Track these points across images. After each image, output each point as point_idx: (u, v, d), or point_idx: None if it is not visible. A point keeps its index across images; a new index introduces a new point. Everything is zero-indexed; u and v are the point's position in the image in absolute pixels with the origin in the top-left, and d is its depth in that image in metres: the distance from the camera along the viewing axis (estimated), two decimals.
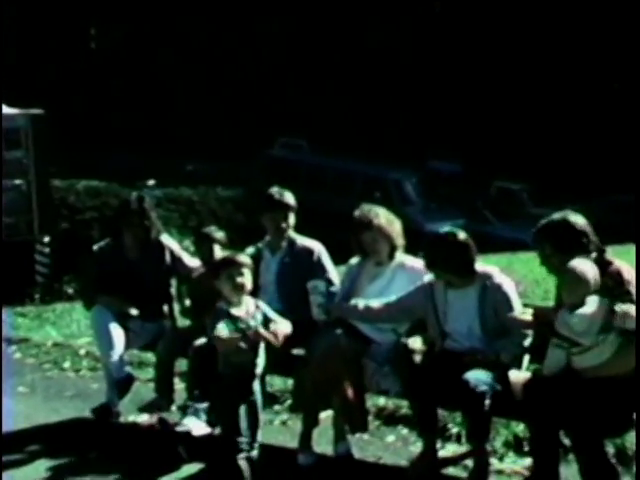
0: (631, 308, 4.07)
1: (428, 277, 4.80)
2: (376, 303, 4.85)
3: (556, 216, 4.43)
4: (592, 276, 4.12)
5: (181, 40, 28.58)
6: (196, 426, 4.99)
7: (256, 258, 5.39)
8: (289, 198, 5.39)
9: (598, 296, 4.11)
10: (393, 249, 5.03)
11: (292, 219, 5.40)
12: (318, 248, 5.39)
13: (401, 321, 4.95)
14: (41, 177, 12.10)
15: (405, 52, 27.03)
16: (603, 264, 4.27)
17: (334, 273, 5.33)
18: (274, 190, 5.42)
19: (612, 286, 4.16)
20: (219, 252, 5.42)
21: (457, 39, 26.54)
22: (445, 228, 4.76)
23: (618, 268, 4.26)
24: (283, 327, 4.66)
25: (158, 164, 22.58)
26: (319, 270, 5.30)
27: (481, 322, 4.58)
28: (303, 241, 5.43)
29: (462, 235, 4.64)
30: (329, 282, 5.25)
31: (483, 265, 4.68)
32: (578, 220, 4.38)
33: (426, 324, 4.79)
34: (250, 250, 5.51)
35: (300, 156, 23.05)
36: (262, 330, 4.55)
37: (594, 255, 4.30)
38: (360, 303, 4.86)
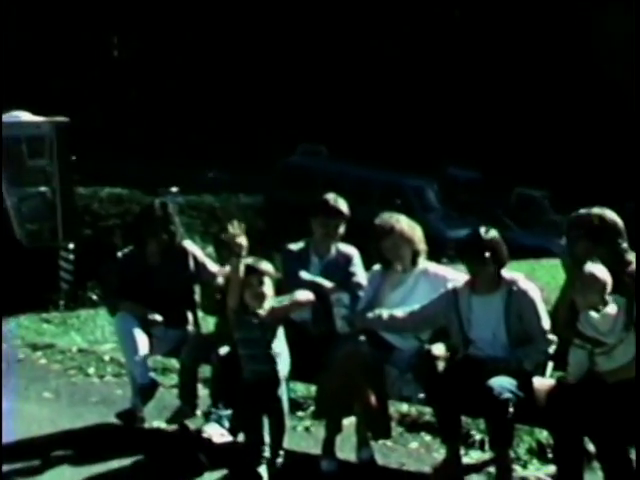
0: None
1: (452, 284, 4.81)
2: (400, 313, 4.84)
3: (595, 209, 4.50)
4: (607, 277, 4.20)
5: (201, 49, 28.72)
6: (217, 433, 5.01)
7: (301, 258, 5.39)
8: (344, 206, 5.37)
9: (617, 295, 4.19)
10: (415, 255, 5.03)
11: (342, 228, 5.38)
12: (355, 254, 5.39)
13: (425, 330, 4.95)
14: (65, 184, 12.19)
15: (424, 59, 27.03)
16: (623, 264, 4.31)
17: (365, 279, 5.33)
18: (330, 196, 5.39)
19: (630, 284, 4.21)
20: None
21: (476, 46, 26.49)
22: (481, 228, 4.73)
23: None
24: (301, 295, 4.64)
25: (179, 172, 22.68)
26: (354, 275, 5.29)
27: (506, 329, 4.57)
28: (343, 247, 5.43)
29: (495, 233, 4.68)
30: (358, 286, 5.25)
31: (508, 271, 4.69)
32: (615, 218, 4.46)
33: (449, 331, 4.80)
34: (294, 247, 5.46)
35: (319, 163, 23.06)
36: (277, 305, 4.52)
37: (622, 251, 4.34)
38: (384, 313, 4.86)
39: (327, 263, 5.37)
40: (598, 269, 4.24)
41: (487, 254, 4.57)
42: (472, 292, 4.68)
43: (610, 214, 4.46)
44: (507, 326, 4.57)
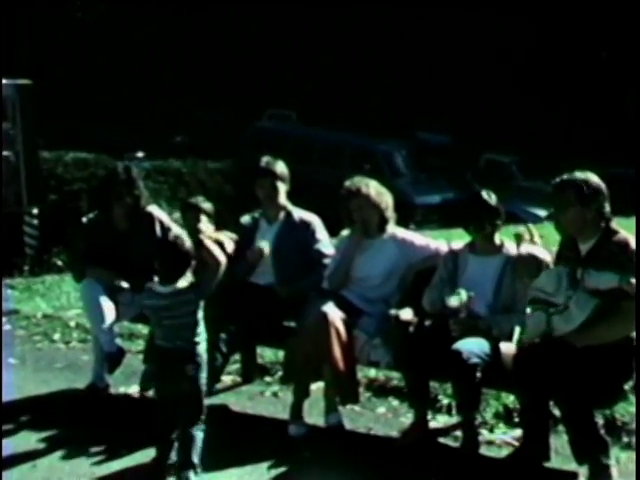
0: None
1: (445, 245, 4.94)
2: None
3: (581, 173, 4.42)
4: (547, 256, 4.45)
5: (168, 12, 28.29)
6: None
7: (252, 227, 5.39)
8: (276, 166, 5.36)
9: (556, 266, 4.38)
10: (383, 221, 5.03)
11: (282, 187, 5.36)
12: (315, 220, 5.37)
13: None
14: (29, 148, 12.00)
15: (393, 23, 26.86)
16: (609, 232, 4.29)
17: (329, 246, 5.31)
18: (263, 159, 5.41)
19: (618, 253, 4.19)
20: (205, 222, 5.40)
21: (446, 10, 26.36)
22: (482, 191, 4.78)
23: (625, 238, 4.27)
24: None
25: (146, 137, 22.42)
26: (315, 242, 5.29)
27: (494, 291, 4.62)
28: (300, 213, 5.41)
29: (494, 196, 4.75)
30: (321, 254, 5.25)
31: (509, 240, 4.74)
32: (600, 181, 4.41)
33: (438, 284, 4.81)
34: (246, 219, 5.50)
35: (289, 128, 22.89)
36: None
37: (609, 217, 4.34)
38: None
39: (280, 229, 5.35)
40: (537, 249, 4.48)
41: (487, 216, 4.65)
42: (471, 252, 4.74)
43: (595, 178, 4.41)
44: (496, 289, 4.62)
